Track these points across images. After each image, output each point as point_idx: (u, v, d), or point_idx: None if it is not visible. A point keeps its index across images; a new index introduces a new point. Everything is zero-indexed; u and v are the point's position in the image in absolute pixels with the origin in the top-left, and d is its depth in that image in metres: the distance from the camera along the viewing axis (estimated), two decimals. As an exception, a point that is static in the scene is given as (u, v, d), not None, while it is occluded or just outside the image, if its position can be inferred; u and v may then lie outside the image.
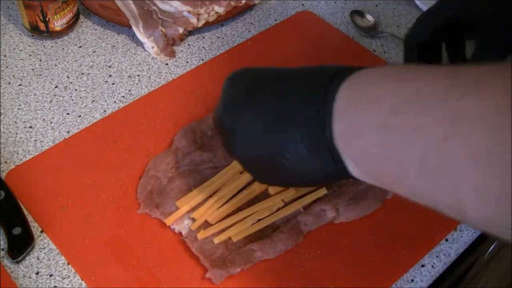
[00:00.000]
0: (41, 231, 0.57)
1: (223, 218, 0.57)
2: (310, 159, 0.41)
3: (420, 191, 0.35)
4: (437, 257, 0.58)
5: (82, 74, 0.72)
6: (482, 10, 0.58)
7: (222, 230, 0.56)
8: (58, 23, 0.74)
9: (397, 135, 0.34)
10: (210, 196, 0.58)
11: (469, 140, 0.30)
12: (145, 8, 0.76)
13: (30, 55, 0.74)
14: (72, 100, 0.69)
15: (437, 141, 0.32)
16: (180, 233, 0.57)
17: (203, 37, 0.78)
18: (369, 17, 0.81)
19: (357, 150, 0.38)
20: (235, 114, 0.46)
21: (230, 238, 0.56)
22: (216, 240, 0.55)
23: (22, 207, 0.58)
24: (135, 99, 0.69)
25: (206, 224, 0.57)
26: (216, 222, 0.57)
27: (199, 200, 0.58)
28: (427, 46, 0.61)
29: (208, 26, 0.78)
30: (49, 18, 0.72)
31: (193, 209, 0.58)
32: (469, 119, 0.30)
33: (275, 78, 0.46)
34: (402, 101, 0.34)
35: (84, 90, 0.70)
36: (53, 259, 0.55)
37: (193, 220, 0.57)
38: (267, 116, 0.43)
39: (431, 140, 0.32)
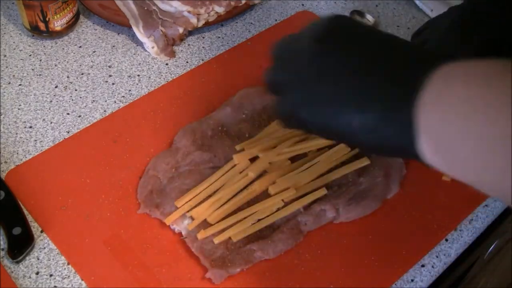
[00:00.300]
0: (41, 231, 0.57)
1: (223, 218, 0.57)
2: (381, 120, 0.39)
3: (492, 185, 0.34)
4: (437, 257, 0.58)
5: (82, 74, 0.72)
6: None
7: (222, 230, 0.56)
8: (58, 23, 0.74)
9: (483, 127, 0.33)
10: (210, 196, 0.58)
11: None
12: (145, 8, 0.76)
13: (30, 55, 0.74)
14: (72, 100, 0.69)
15: None
16: (180, 233, 0.57)
17: (203, 37, 0.78)
18: (369, 17, 0.81)
19: (436, 126, 0.37)
20: (326, 51, 0.43)
21: (230, 238, 0.56)
22: (216, 240, 0.55)
23: (22, 207, 0.58)
24: (135, 99, 0.69)
25: (206, 224, 0.57)
26: (216, 222, 0.57)
27: (199, 200, 0.58)
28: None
29: (208, 26, 0.78)
30: (49, 18, 0.72)
31: (192, 209, 0.58)
32: None
33: (378, 39, 0.43)
34: (489, 102, 0.33)
35: (84, 90, 0.70)
36: (53, 259, 0.55)
37: (193, 220, 0.57)
38: (353, 66, 0.41)
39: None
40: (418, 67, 0.39)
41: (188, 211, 0.57)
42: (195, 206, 0.58)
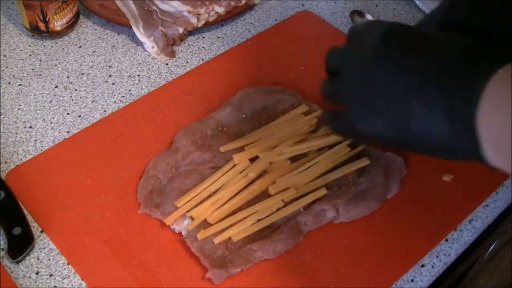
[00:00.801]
0: (41, 231, 0.57)
1: (223, 218, 0.57)
2: (444, 130, 0.39)
3: None
4: (437, 257, 0.58)
5: (82, 74, 0.72)
6: (491, 15, 0.58)
7: (222, 230, 0.56)
8: (58, 23, 0.74)
9: None
10: (210, 196, 0.58)
11: None
12: (145, 8, 0.76)
13: (30, 55, 0.74)
14: (72, 100, 0.69)
15: None
16: (180, 233, 0.57)
17: (203, 37, 0.78)
18: (369, 17, 0.81)
19: (498, 133, 0.36)
20: (389, 62, 0.43)
21: (230, 238, 0.56)
22: (216, 240, 0.55)
23: (22, 207, 0.58)
24: (135, 99, 0.69)
25: (206, 224, 0.57)
26: (216, 222, 0.57)
27: (199, 200, 0.58)
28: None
29: (208, 26, 0.78)
30: (49, 18, 0.72)
31: (192, 209, 0.58)
32: None
33: (436, 44, 0.43)
34: None
35: (84, 90, 0.70)
36: (53, 259, 0.55)
37: (193, 220, 0.57)
38: (417, 74, 0.41)
39: None
40: (477, 72, 0.38)
41: (188, 211, 0.57)
42: (195, 206, 0.58)
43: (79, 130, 0.66)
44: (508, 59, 0.38)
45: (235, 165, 0.61)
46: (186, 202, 0.58)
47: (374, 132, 0.44)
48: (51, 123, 0.66)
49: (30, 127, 0.66)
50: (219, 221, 0.57)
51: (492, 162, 0.38)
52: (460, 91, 0.39)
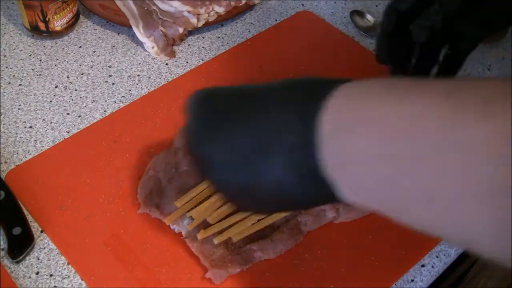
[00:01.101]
0: (41, 231, 0.57)
1: (223, 218, 0.57)
2: (295, 186, 0.38)
3: (425, 222, 0.32)
4: (437, 257, 0.58)
5: (82, 74, 0.72)
6: None
7: (222, 230, 0.56)
8: (58, 23, 0.74)
9: (397, 165, 0.31)
10: (210, 196, 0.58)
11: (477, 170, 0.28)
12: (145, 8, 0.76)
13: (30, 55, 0.74)
14: (72, 100, 0.69)
15: (443, 171, 0.29)
16: (180, 233, 0.57)
17: (203, 37, 0.78)
18: (369, 17, 0.81)
19: (352, 180, 0.35)
20: (210, 140, 0.42)
21: (230, 238, 0.56)
22: (216, 240, 0.55)
23: (22, 207, 0.58)
24: (135, 99, 0.69)
25: (206, 224, 0.57)
26: (216, 222, 0.57)
27: (199, 200, 0.58)
28: (407, 17, 0.59)
29: (208, 26, 0.78)
30: (49, 18, 0.72)
31: (192, 209, 0.58)
32: (476, 148, 0.28)
33: (251, 97, 0.42)
34: (401, 127, 0.31)
35: (84, 90, 0.70)
36: (53, 259, 0.55)
37: (193, 220, 0.57)
38: (246, 141, 0.39)
39: (437, 170, 0.29)
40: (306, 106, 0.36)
41: (188, 211, 0.57)
42: (195, 206, 0.58)
43: (79, 130, 0.66)
44: (335, 85, 0.36)
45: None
46: (186, 202, 0.58)
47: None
48: (51, 123, 0.66)
49: (30, 127, 0.66)
50: (219, 221, 0.57)
51: (347, 198, 0.37)
52: (290, 141, 0.37)
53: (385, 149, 0.32)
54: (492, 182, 0.27)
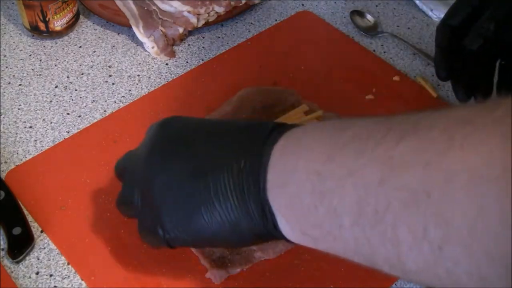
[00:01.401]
0: (41, 231, 0.57)
1: (223, 218, 0.57)
2: (238, 212, 0.38)
3: (354, 243, 0.33)
4: (437, 257, 0.58)
5: (82, 74, 0.72)
6: None
7: (222, 230, 0.56)
8: (58, 23, 0.74)
9: (330, 181, 0.32)
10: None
11: (405, 182, 0.28)
12: (145, 8, 0.76)
13: (30, 55, 0.74)
14: (72, 100, 0.69)
15: (373, 185, 0.30)
16: (180, 233, 0.57)
17: (203, 37, 0.78)
18: (369, 17, 0.81)
19: (287, 199, 0.36)
20: (160, 159, 0.43)
21: (230, 238, 0.56)
22: (216, 240, 0.55)
23: (22, 207, 0.58)
24: (135, 99, 0.69)
25: (206, 224, 0.57)
26: (216, 222, 0.57)
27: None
28: (459, 31, 0.60)
29: (208, 26, 0.78)
30: (49, 18, 0.72)
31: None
32: (405, 162, 0.29)
33: (210, 128, 0.43)
34: (337, 147, 0.33)
35: (84, 90, 0.70)
36: (53, 259, 0.55)
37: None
38: (194, 162, 0.40)
39: (366, 184, 0.30)
40: (258, 148, 0.38)
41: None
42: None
43: (79, 130, 0.66)
44: (290, 126, 0.38)
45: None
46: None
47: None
48: (51, 123, 0.66)
49: (30, 127, 0.66)
50: (219, 221, 0.57)
51: (289, 236, 0.38)
52: (244, 173, 0.38)
53: (318, 167, 0.33)
54: (421, 191, 0.28)
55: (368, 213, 0.30)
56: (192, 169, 0.41)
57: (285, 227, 0.38)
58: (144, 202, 0.45)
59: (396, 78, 0.73)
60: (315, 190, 0.34)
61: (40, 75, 0.72)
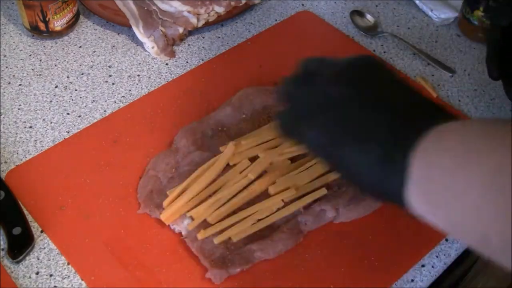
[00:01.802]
0: (41, 231, 0.57)
1: (223, 218, 0.57)
2: (376, 172, 0.40)
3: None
4: (437, 257, 0.58)
5: (82, 74, 0.72)
6: None
7: (222, 230, 0.56)
8: (58, 23, 0.74)
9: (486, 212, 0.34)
10: (210, 196, 0.58)
11: None
12: (145, 8, 0.76)
13: (30, 55, 0.74)
14: (72, 100, 0.69)
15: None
16: (180, 233, 0.57)
17: (203, 37, 0.78)
18: (369, 17, 0.81)
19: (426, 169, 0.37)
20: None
21: (230, 238, 0.56)
22: (216, 240, 0.55)
23: (22, 207, 0.58)
24: (135, 99, 0.69)
25: (206, 224, 0.57)
26: (216, 222, 0.57)
27: (199, 200, 0.58)
28: (509, 29, 0.61)
29: (208, 26, 0.78)
30: (49, 18, 0.72)
31: (192, 209, 0.58)
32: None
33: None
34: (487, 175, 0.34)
35: (84, 90, 0.70)
36: (53, 259, 0.55)
37: (193, 220, 0.57)
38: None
39: None
40: (419, 122, 0.39)
41: (188, 211, 0.57)
42: (195, 206, 0.58)
43: (79, 130, 0.66)
44: (445, 118, 0.39)
45: (234, 165, 0.61)
46: (183, 200, 0.57)
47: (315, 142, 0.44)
48: (51, 123, 0.66)
49: (30, 127, 0.66)
50: (219, 221, 0.57)
51: (415, 208, 0.39)
52: (396, 138, 0.39)
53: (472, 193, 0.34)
54: None
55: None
56: (359, 108, 0.41)
57: (412, 196, 0.39)
58: (303, 100, 0.46)
59: (396, 78, 0.73)
60: (450, 187, 0.35)
61: (40, 75, 0.72)
